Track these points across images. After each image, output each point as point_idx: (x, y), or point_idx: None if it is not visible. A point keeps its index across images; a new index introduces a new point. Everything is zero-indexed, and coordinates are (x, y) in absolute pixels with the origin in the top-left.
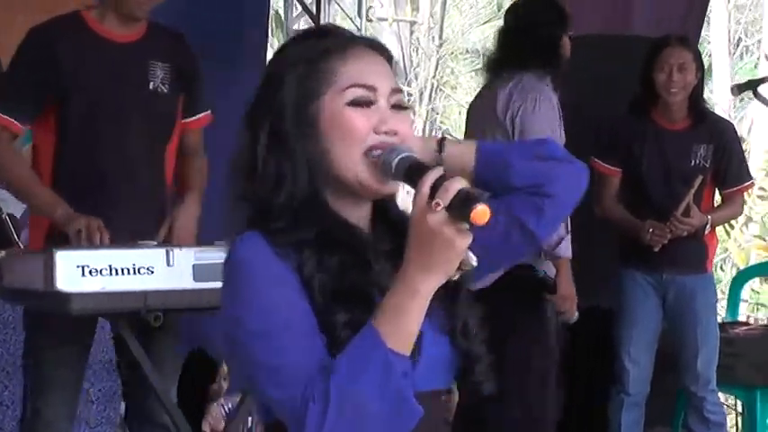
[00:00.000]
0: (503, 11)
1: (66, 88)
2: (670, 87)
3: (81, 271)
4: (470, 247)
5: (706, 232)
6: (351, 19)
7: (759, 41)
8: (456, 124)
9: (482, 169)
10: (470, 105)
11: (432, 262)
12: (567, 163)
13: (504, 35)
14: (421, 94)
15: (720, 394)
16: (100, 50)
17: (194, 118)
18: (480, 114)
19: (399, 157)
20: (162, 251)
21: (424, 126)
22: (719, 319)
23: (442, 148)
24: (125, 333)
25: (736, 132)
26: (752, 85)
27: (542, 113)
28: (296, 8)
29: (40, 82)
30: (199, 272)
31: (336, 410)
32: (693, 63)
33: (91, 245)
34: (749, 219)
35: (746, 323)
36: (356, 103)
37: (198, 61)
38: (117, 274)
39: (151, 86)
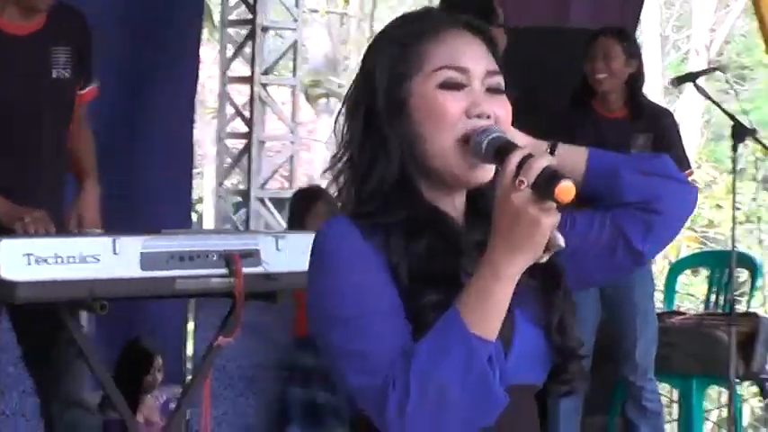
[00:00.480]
0: (432, 4)
1: None
2: (594, 75)
3: (27, 259)
4: (561, 233)
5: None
6: (287, 8)
7: (688, 37)
8: None
9: (592, 176)
10: None
11: (517, 243)
12: (678, 182)
13: None
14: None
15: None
16: (2, 45)
17: (84, 91)
18: None
19: (490, 137)
20: (108, 240)
21: None
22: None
23: (554, 150)
24: (69, 321)
25: (675, 121)
26: (692, 77)
27: None
28: None
29: None
30: (146, 260)
31: (417, 397)
32: (622, 53)
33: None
34: None
35: (682, 313)
36: (447, 86)
37: (92, 37)
38: (63, 262)
39: (54, 75)
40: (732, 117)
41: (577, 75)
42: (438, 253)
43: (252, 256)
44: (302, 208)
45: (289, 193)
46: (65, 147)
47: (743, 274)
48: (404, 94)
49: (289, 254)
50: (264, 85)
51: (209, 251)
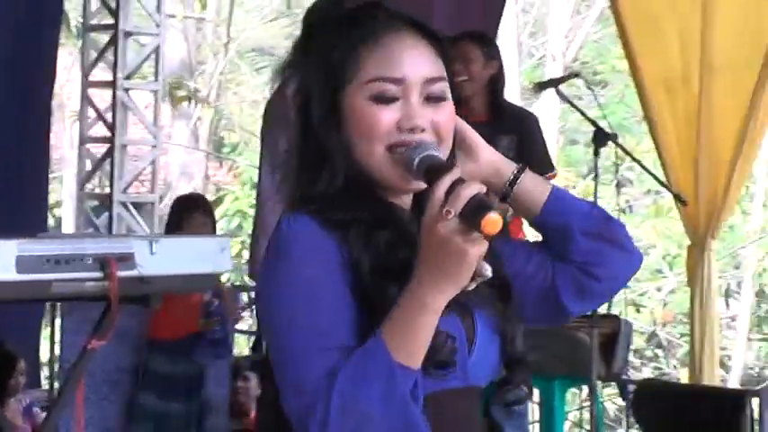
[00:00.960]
0: (290, 10)
1: None
2: (454, 79)
3: None
4: (486, 259)
5: (509, 220)
6: (149, 14)
7: (543, 43)
8: (241, 121)
9: (546, 215)
10: (268, 103)
11: (443, 273)
12: (625, 251)
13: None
14: (208, 92)
15: None
16: None
17: None
18: (278, 113)
19: (420, 156)
20: None
21: (211, 124)
22: None
23: (519, 175)
24: None
25: (538, 123)
26: (553, 83)
27: None
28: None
29: None
30: (22, 263)
31: (338, 421)
32: (482, 56)
33: None
34: None
35: None
36: (379, 99)
37: None
38: None
39: None
40: (593, 123)
41: None
42: (396, 248)
43: (126, 259)
44: (180, 217)
45: (151, 198)
46: None
47: None
48: (338, 102)
49: (163, 257)
50: (127, 90)
51: (85, 254)
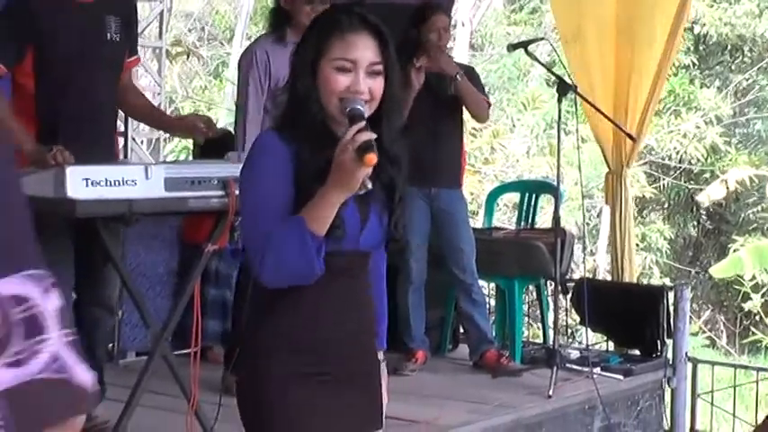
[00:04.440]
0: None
1: (41, 40)
2: (438, 43)
3: (85, 183)
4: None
5: (458, 79)
6: None
7: (455, 13)
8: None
9: None
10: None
11: (340, 182)
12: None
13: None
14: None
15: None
16: (66, 9)
17: (132, 59)
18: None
19: (351, 107)
20: (142, 167)
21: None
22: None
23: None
24: (105, 233)
25: (477, 74)
26: (524, 45)
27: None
28: None
29: (20, 33)
30: (169, 184)
31: (271, 256)
32: (449, 26)
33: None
34: None
35: (502, 228)
36: (339, 69)
37: (136, 9)
38: (110, 185)
39: (108, 37)
40: (558, 77)
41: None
42: (321, 162)
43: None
44: None
45: (157, 134)
46: (114, 99)
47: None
48: (318, 66)
49: None
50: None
51: (212, 177)
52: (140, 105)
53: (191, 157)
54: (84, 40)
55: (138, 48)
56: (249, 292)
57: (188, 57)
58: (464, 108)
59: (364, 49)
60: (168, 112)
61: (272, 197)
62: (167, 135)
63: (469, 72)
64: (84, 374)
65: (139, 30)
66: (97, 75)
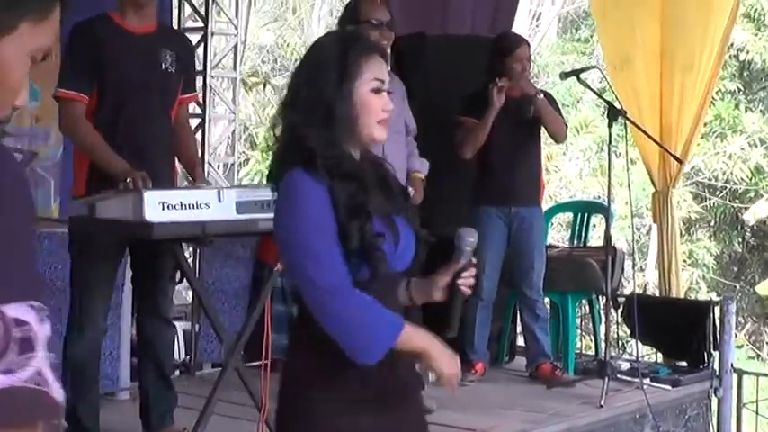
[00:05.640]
0: None
1: (104, 67)
2: (523, 73)
3: (161, 206)
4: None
5: (538, 97)
6: (230, 19)
7: None
8: None
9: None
10: None
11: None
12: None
13: None
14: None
15: None
16: (125, 39)
17: (188, 95)
18: None
19: (472, 240)
20: (215, 191)
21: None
22: None
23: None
24: (178, 252)
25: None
26: (576, 73)
27: None
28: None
29: (89, 64)
30: (240, 207)
31: (349, 318)
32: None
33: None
34: None
35: (556, 246)
36: (376, 91)
37: (194, 52)
38: (184, 208)
39: (163, 67)
40: (608, 102)
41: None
42: (358, 192)
43: None
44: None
45: (231, 159)
46: (168, 121)
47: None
48: (349, 90)
49: None
50: (213, 77)
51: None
52: (184, 146)
53: (264, 181)
54: (140, 66)
55: (215, 78)
56: (294, 320)
57: (264, 86)
58: (542, 129)
59: (385, 71)
60: (242, 138)
61: (328, 248)
62: (242, 160)
63: (548, 96)
64: (58, 391)
65: (215, 61)
66: (151, 97)
